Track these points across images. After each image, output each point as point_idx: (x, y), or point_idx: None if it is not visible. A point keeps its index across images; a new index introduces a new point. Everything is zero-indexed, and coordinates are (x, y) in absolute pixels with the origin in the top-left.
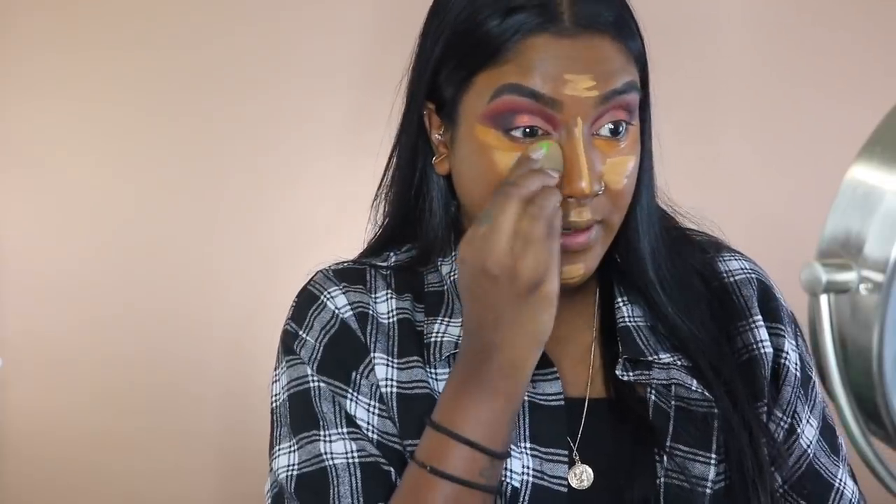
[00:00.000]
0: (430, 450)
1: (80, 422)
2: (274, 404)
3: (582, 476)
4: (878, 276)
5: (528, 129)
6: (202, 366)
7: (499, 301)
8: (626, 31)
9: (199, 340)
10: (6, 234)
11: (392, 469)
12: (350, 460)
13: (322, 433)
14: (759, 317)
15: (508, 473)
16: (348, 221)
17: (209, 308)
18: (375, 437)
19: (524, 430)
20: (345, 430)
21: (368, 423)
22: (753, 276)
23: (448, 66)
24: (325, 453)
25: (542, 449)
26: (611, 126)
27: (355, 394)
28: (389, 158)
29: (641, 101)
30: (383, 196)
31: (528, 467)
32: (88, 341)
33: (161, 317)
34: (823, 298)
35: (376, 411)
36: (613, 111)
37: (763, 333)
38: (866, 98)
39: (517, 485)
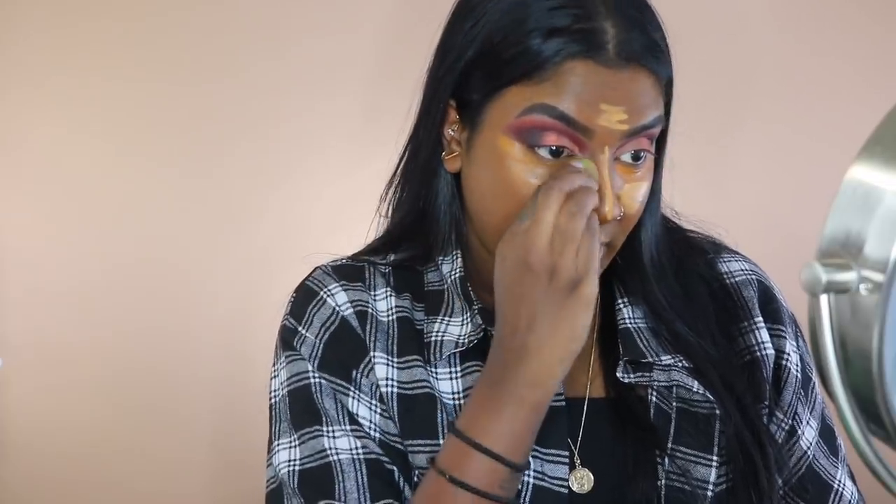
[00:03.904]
0: (451, 458)
1: (80, 422)
2: (273, 400)
3: (583, 480)
4: (878, 276)
5: (554, 149)
6: (203, 365)
7: (537, 298)
8: (661, 58)
9: (200, 340)
10: (6, 235)
11: (395, 468)
12: (355, 456)
13: (325, 429)
14: (760, 318)
15: None
16: (347, 222)
17: (210, 307)
18: (378, 435)
19: None
20: (348, 426)
21: (371, 422)
22: (754, 277)
23: (480, 71)
24: (329, 449)
25: (543, 450)
26: (632, 153)
27: (357, 392)
28: (403, 152)
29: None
30: (394, 189)
31: (528, 468)
32: (88, 341)
33: (161, 316)
34: (823, 298)
35: (378, 410)
36: (638, 140)
37: (764, 335)
38: (867, 98)
39: (518, 486)
